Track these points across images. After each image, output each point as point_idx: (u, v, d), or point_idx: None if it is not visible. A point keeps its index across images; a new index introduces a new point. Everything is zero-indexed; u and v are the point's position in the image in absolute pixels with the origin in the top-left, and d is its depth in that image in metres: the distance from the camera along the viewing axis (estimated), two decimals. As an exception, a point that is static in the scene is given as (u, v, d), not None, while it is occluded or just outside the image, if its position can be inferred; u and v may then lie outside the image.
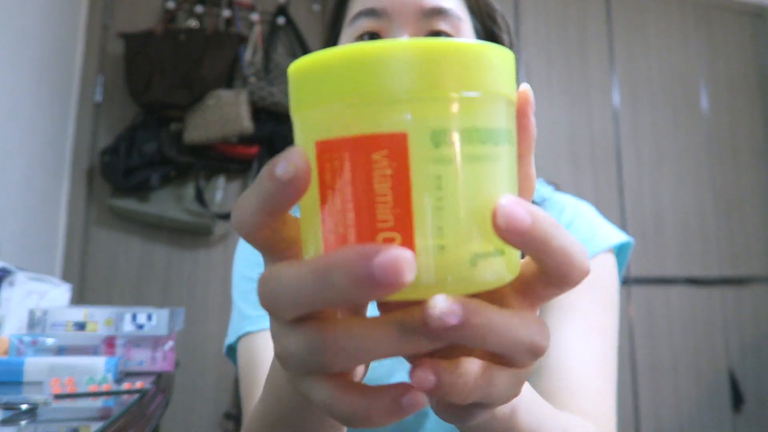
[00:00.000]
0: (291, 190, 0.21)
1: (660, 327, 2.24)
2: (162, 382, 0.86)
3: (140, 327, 0.92)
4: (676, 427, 2.18)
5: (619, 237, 0.65)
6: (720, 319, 2.33)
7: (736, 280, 2.39)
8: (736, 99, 2.54)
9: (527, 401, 0.34)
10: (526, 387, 0.35)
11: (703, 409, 2.23)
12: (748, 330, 2.37)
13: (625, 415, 2.12)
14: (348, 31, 0.60)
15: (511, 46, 0.65)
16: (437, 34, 0.57)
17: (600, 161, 2.28)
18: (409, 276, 0.19)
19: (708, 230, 2.38)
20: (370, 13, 0.58)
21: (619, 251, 0.68)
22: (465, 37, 0.58)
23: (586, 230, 0.65)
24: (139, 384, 0.76)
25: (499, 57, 0.22)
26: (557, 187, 0.72)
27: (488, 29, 0.64)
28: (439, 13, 0.57)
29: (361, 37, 0.59)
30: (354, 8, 0.60)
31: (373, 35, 0.58)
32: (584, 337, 0.57)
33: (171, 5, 2.11)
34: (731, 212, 2.43)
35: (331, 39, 0.66)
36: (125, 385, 0.75)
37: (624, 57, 2.39)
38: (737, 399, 2.27)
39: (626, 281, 2.21)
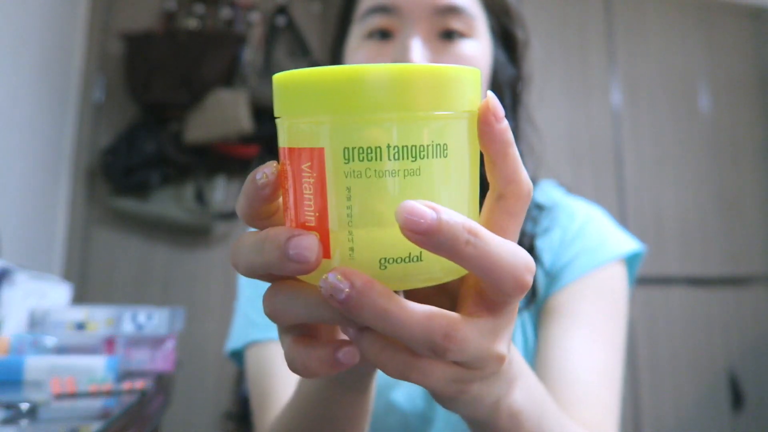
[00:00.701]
0: (263, 194, 0.26)
1: (660, 327, 2.24)
2: (162, 382, 0.86)
3: (140, 327, 0.92)
4: (676, 427, 2.18)
5: (630, 246, 0.64)
6: (720, 319, 2.33)
7: (736, 280, 2.38)
8: (736, 99, 2.54)
9: (536, 408, 0.34)
10: (538, 393, 0.35)
11: (703, 409, 2.23)
12: (748, 330, 2.37)
13: (625, 415, 2.12)
14: (357, 27, 0.59)
15: (525, 43, 0.64)
16: (450, 32, 0.56)
17: (600, 161, 2.28)
18: (311, 259, 0.23)
19: (708, 230, 2.38)
20: (382, 9, 0.56)
21: (631, 259, 0.66)
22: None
23: (596, 237, 0.63)
24: (139, 384, 0.76)
25: (421, 78, 0.24)
26: (569, 189, 0.71)
27: (503, 25, 0.63)
28: (452, 10, 0.56)
29: (371, 35, 0.57)
30: (365, 3, 0.58)
31: (384, 33, 0.57)
32: (589, 348, 0.56)
33: (171, 5, 2.11)
34: (731, 212, 2.43)
35: (340, 34, 0.65)
36: (125, 385, 0.75)
37: (624, 57, 2.39)
38: (737, 399, 2.27)
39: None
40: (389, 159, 0.24)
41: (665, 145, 2.38)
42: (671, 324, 2.26)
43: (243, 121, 1.95)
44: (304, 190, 0.25)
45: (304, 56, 2.19)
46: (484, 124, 0.26)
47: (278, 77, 0.26)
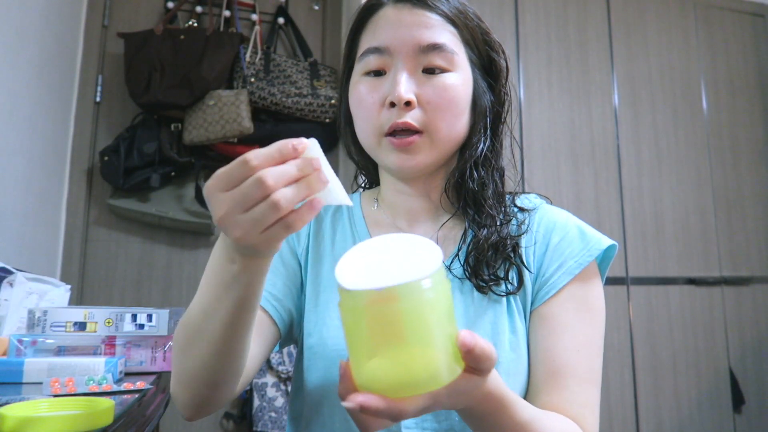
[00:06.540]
0: None
1: (660, 327, 2.24)
2: (162, 382, 0.86)
3: (140, 327, 0.92)
4: (676, 427, 2.18)
5: (605, 242, 0.70)
6: (720, 319, 2.33)
7: (736, 280, 2.39)
8: (736, 99, 2.54)
9: (501, 404, 0.48)
10: (504, 396, 0.49)
11: (704, 409, 2.23)
12: (748, 330, 2.37)
13: (625, 415, 2.12)
14: (358, 65, 0.70)
15: (507, 69, 0.72)
16: (432, 69, 0.65)
17: (600, 161, 2.28)
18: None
19: (708, 230, 2.38)
20: (375, 51, 0.67)
21: (605, 254, 0.72)
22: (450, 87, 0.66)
23: (579, 242, 0.69)
24: (139, 384, 0.76)
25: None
26: (550, 201, 0.78)
27: (485, 55, 0.71)
28: (434, 48, 0.65)
29: (368, 73, 0.68)
30: (363, 44, 0.69)
31: (378, 72, 0.67)
32: (574, 352, 0.64)
33: (171, 5, 2.11)
34: (731, 212, 2.43)
35: (346, 70, 0.74)
36: (125, 385, 0.75)
37: (624, 57, 2.39)
38: (737, 399, 2.27)
39: (626, 281, 2.21)
40: None
41: (665, 145, 2.38)
42: (671, 324, 2.26)
43: (243, 121, 1.95)
44: None
45: (304, 56, 2.19)
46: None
47: None
